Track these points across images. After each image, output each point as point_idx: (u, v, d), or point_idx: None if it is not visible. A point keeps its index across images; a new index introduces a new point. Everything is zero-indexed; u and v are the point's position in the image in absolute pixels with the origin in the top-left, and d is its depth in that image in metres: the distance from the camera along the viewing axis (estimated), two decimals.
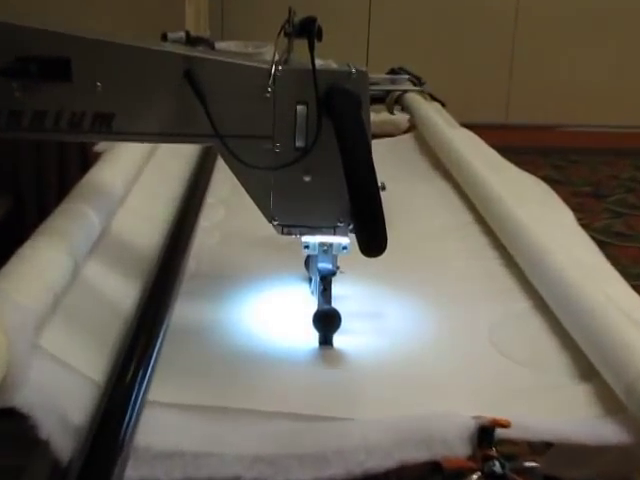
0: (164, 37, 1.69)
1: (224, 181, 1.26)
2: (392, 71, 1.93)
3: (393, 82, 1.87)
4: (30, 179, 2.35)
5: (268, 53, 2.09)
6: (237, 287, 0.97)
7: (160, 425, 0.68)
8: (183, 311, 0.87)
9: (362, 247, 0.73)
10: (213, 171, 1.30)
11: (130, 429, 0.64)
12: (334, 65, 0.81)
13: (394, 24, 3.51)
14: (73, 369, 0.69)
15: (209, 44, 1.98)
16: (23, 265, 0.72)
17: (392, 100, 1.76)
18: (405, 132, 1.71)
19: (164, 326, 0.81)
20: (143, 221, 1.05)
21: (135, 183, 1.12)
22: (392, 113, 1.76)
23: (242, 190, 1.20)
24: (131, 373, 0.70)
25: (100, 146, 1.35)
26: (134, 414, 0.65)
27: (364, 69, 0.78)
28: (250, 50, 2.02)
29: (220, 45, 1.87)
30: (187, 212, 1.10)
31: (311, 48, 0.77)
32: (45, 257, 0.75)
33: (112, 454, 0.60)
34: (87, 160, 2.38)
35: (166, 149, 1.28)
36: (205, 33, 2.89)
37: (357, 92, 0.77)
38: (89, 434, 0.62)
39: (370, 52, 3.50)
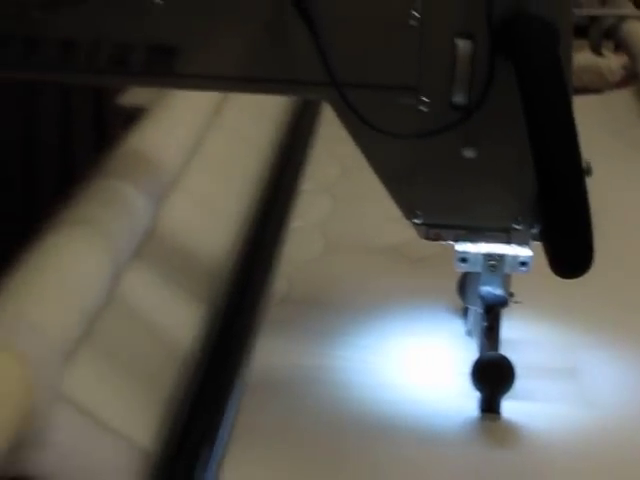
0: None
1: (328, 159, 1.33)
2: None
3: (602, 3, 1.84)
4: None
5: None
6: (347, 320, 1.03)
7: None
8: (267, 352, 0.94)
9: (556, 262, 0.77)
10: (311, 143, 1.36)
11: None
12: None
13: None
14: (111, 428, 0.73)
15: None
16: (45, 272, 0.77)
17: (600, 33, 1.73)
18: (619, 85, 1.70)
19: (240, 375, 0.86)
20: (207, 213, 1.11)
21: (194, 155, 1.16)
22: (599, 54, 1.73)
23: (355, 173, 1.25)
24: (196, 445, 0.77)
25: (129, 97, 1.42)
26: None
27: None
28: None
29: None
30: (273, 205, 1.17)
31: None
32: (75, 261, 0.80)
33: None
34: (104, 120, 2.51)
35: (237, 106, 1.34)
36: None
37: (553, 20, 0.78)
38: None
39: None
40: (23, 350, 0.66)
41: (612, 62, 1.67)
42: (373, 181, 0.85)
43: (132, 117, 1.36)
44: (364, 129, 0.81)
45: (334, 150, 1.32)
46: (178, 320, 0.92)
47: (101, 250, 0.83)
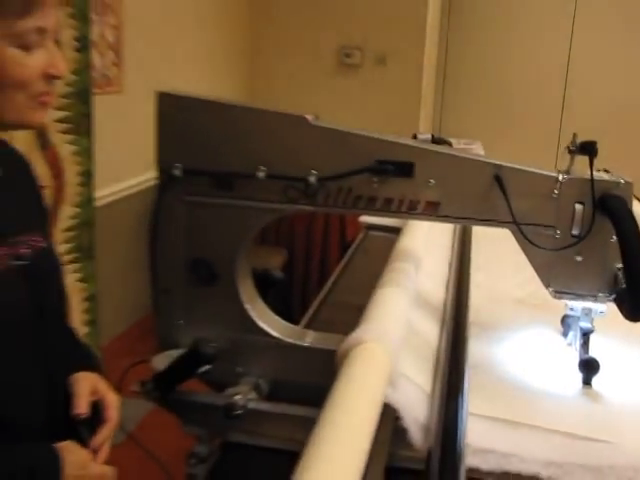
0: (414, 137, 1.75)
1: (478, 252, 1.37)
2: None
3: None
4: (301, 239, 2.61)
5: (477, 149, 2.15)
6: (508, 334, 1.09)
7: (478, 430, 0.79)
8: (471, 347, 0.99)
9: (628, 313, 0.85)
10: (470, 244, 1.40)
11: (462, 433, 0.76)
12: (605, 176, 0.87)
13: (587, 124, 3.44)
14: (414, 382, 0.83)
15: (448, 143, 2.05)
16: (385, 307, 0.87)
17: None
18: None
19: (465, 357, 0.93)
20: (433, 277, 1.20)
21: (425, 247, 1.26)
22: None
23: (494, 259, 1.29)
24: (454, 391, 0.83)
25: (364, 218, 1.47)
26: (463, 422, 0.78)
27: (630, 180, 0.88)
28: (462, 146, 2.07)
29: None
30: (461, 274, 1.22)
31: (591, 164, 0.87)
32: (397, 303, 0.91)
33: (456, 450, 0.72)
34: (345, 228, 2.60)
35: (440, 225, 1.39)
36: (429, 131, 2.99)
37: (624, 196, 0.86)
38: (437, 435, 0.74)
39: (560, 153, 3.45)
40: (385, 347, 0.76)
41: None
42: (502, 266, 0.83)
43: (367, 229, 1.42)
44: (529, 244, 0.88)
45: (478, 249, 1.33)
46: (430, 330, 1.01)
47: (404, 295, 0.91)
